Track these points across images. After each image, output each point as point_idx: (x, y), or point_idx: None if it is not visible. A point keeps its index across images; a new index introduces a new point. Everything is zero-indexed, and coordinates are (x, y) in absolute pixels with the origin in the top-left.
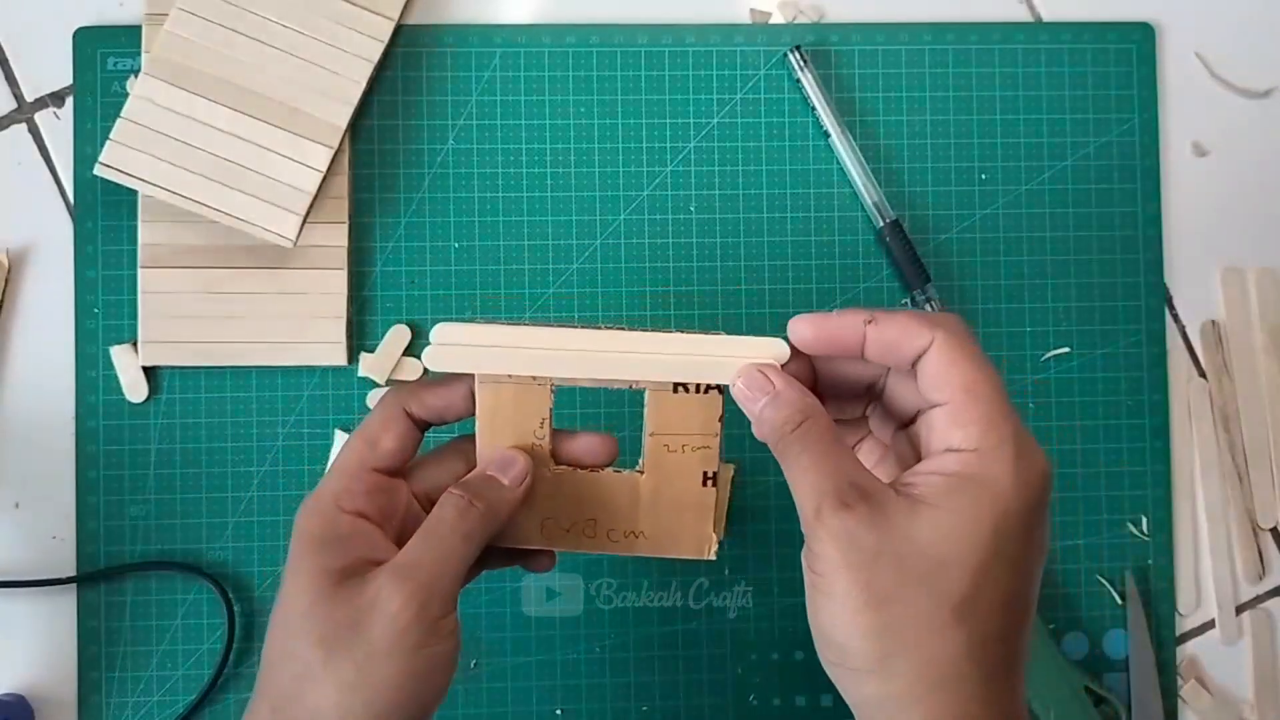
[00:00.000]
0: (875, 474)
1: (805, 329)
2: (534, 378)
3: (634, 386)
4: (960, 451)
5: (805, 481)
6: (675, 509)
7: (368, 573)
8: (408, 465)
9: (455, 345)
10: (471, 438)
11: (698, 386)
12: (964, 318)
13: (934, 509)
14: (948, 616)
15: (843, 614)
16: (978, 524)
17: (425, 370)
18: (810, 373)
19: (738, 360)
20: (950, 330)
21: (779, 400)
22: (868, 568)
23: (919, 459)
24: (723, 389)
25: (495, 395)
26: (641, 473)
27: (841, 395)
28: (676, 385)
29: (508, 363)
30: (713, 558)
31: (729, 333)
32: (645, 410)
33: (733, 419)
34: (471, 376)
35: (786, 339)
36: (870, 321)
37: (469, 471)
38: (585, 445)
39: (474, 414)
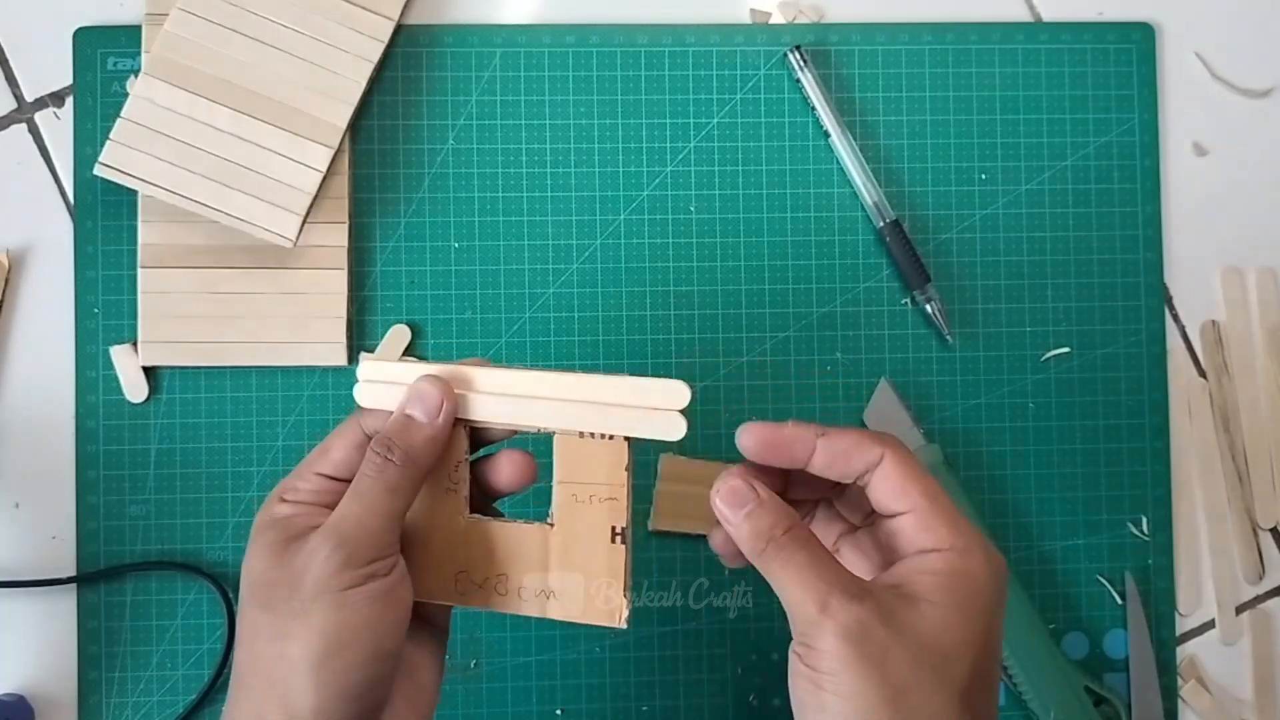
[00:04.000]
0: None
1: (750, 439)
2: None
3: (541, 430)
4: (939, 551)
5: (803, 580)
6: (585, 568)
7: (308, 537)
8: None
9: (379, 383)
10: None
11: (604, 433)
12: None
13: (932, 605)
14: (957, 706)
15: (855, 711)
16: (972, 618)
17: None
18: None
19: (640, 409)
20: (896, 446)
21: (764, 509)
22: (882, 662)
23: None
24: (629, 439)
25: None
26: (551, 525)
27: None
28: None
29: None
30: (624, 626)
31: (636, 374)
32: (554, 455)
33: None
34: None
35: (688, 382)
36: (822, 435)
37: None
38: (505, 468)
39: None
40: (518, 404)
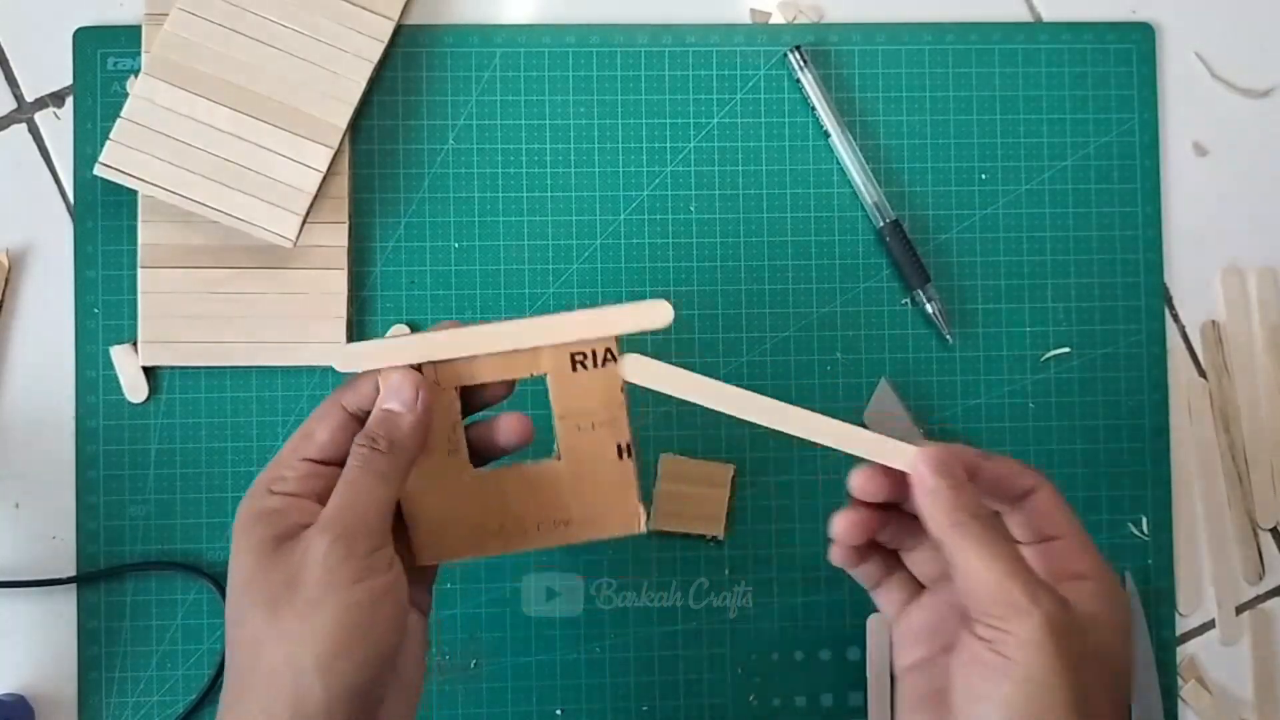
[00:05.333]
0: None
1: (941, 454)
2: (432, 363)
3: (533, 374)
4: (1091, 580)
5: (1010, 566)
6: (597, 489)
7: (301, 534)
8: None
9: (362, 353)
10: None
11: (595, 361)
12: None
13: (1101, 625)
14: None
15: (1042, 706)
16: (1129, 642)
17: None
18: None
19: (622, 321)
20: (1046, 478)
21: (968, 486)
22: (1076, 666)
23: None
24: (616, 358)
25: None
26: (559, 459)
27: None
28: (575, 364)
29: (407, 355)
30: (644, 530)
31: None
32: (550, 394)
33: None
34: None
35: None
36: (987, 460)
37: None
38: (504, 427)
39: None
40: (499, 337)
